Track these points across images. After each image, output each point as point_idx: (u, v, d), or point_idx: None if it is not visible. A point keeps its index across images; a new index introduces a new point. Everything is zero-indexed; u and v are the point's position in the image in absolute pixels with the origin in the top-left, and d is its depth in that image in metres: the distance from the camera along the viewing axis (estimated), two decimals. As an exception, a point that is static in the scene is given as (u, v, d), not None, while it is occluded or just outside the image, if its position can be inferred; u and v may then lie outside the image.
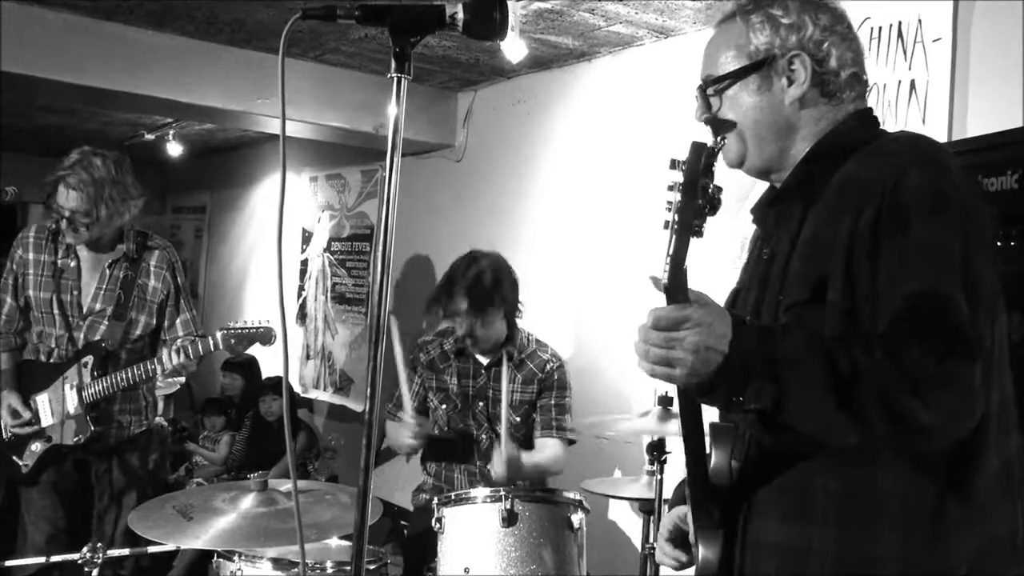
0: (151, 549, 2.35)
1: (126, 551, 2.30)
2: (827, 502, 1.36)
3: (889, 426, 1.23)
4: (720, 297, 1.53)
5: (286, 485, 2.42)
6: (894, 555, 1.32)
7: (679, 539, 1.69)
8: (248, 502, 2.30)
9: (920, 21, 2.93)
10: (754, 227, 1.68)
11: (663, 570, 2.77)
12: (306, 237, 6.38)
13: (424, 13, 1.29)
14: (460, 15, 1.29)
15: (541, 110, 4.49)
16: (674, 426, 2.78)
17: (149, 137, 6.67)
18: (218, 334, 3.10)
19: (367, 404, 1.25)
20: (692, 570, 1.54)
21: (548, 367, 3.39)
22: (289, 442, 1.34)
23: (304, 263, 6.39)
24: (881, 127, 1.56)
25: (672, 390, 2.84)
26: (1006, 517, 1.36)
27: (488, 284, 3.23)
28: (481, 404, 3.35)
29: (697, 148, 1.31)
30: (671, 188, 1.30)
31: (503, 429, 3.10)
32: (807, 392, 1.25)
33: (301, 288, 6.41)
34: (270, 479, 2.38)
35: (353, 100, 4.69)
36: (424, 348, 3.46)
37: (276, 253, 1.29)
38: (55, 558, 2.29)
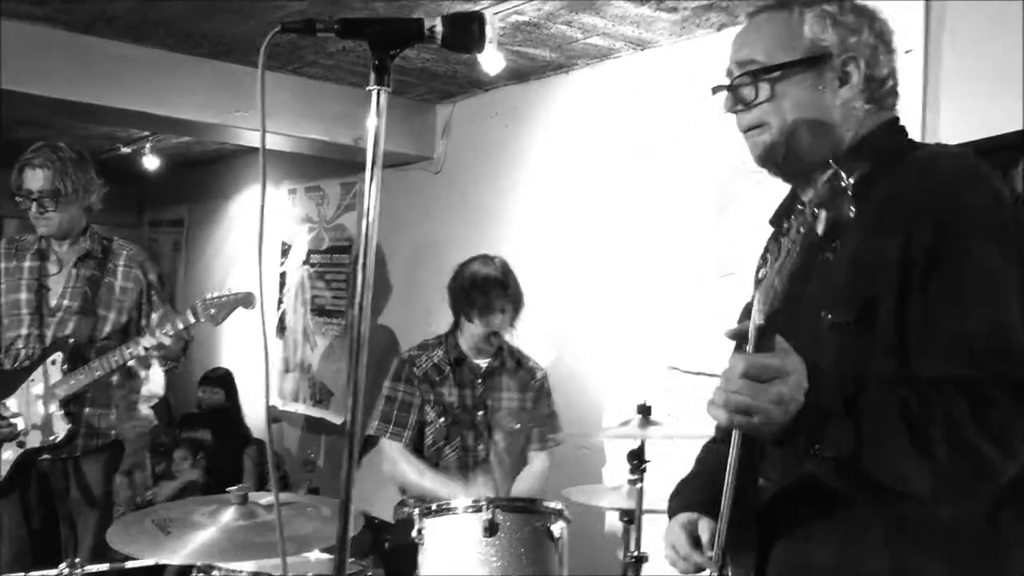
0: (129, 564, 2.33)
1: (105, 566, 2.28)
2: (881, 529, 1.36)
3: (960, 461, 1.23)
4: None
5: (266, 498, 2.41)
6: (946, 571, 1.33)
7: (696, 543, 1.64)
8: (228, 515, 2.29)
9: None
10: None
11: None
12: (285, 250, 6.36)
13: (403, 26, 1.30)
14: (439, 28, 1.29)
15: (519, 122, 4.51)
16: (652, 433, 2.80)
17: (125, 150, 6.62)
18: (197, 304, 3.07)
19: (348, 416, 1.25)
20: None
21: (538, 374, 3.42)
22: (271, 455, 1.33)
23: (283, 276, 6.37)
24: (910, 138, 1.53)
25: (650, 400, 2.87)
26: None
27: (516, 284, 3.33)
28: (480, 413, 3.32)
29: (837, 189, 1.23)
30: (784, 234, 1.26)
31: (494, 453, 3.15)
32: (883, 440, 1.23)
33: (280, 301, 6.39)
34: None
35: (332, 112, 4.69)
36: (414, 362, 3.37)
37: (255, 267, 1.29)
38: (33, 574, 2.26)
